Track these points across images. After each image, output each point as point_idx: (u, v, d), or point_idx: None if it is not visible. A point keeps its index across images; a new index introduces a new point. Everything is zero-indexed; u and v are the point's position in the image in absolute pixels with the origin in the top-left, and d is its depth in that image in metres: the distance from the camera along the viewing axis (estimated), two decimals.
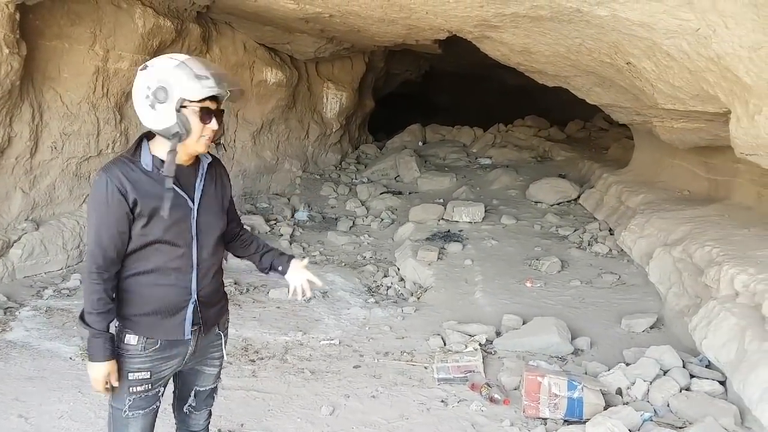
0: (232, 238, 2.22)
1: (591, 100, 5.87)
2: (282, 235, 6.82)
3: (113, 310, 1.87)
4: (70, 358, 3.72)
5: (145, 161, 1.88)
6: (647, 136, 6.54)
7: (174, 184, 1.88)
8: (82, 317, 1.87)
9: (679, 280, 4.45)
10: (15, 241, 4.87)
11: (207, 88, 1.80)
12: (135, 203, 1.83)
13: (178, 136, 1.83)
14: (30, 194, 5.09)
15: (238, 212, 2.32)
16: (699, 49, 3.19)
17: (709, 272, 3.92)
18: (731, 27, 2.86)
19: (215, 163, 2.07)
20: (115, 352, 1.88)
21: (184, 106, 1.81)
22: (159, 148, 1.90)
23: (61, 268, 5.20)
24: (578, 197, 7.69)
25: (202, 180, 1.98)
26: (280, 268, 2.22)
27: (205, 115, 1.84)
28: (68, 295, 4.79)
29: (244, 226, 2.32)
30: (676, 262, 4.56)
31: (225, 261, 2.18)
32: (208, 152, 2.01)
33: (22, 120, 4.85)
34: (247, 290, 5.16)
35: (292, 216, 7.70)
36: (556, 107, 11.65)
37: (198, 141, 1.87)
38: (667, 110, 4.54)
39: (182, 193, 1.92)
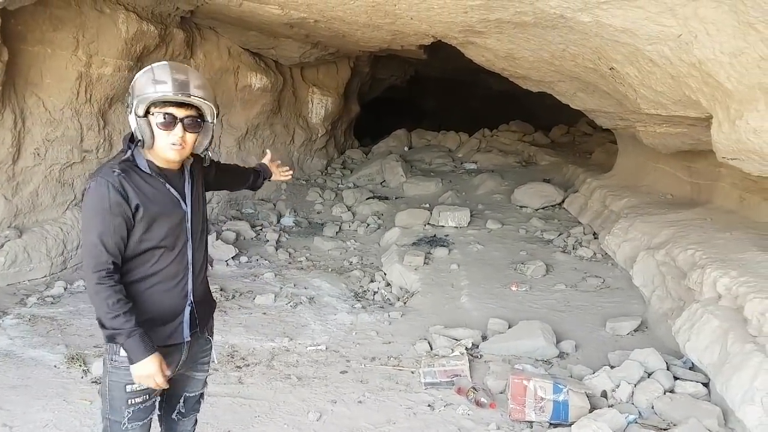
0: (246, 178, 2.50)
1: (575, 105, 5.93)
2: (268, 240, 6.79)
3: (133, 307, 1.83)
4: (55, 366, 3.67)
5: (142, 165, 1.89)
6: (631, 140, 6.62)
7: (169, 187, 1.92)
8: (104, 327, 1.81)
9: (662, 284, 4.50)
10: None
11: (159, 92, 1.80)
12: (137, 208, 1.83)
13: (141, 142, 1.86)
14: (13, 201, 5.02)
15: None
16: (681, 55, 3.25)
17: (692, 275, 3.98)
18: (712, 33, 2.92)
19: (194, 161, 2.07)
20: (153, 345, 1.84)
21: (149, 113, 1.83)
22: (150, 152, 1.92)
23: (45, 276, 5.13)
24: (563, 201, 7.76)
25: (189, 182, 2.00)
26: (266, 179, 2.60)
27: (166, 121, 1.83)
28: (52, 303, 4.72)
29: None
30: (659, 265, 4.62)
31: (210, 267, 2.20)
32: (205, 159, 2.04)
33: (4, 126, 4.78)
34: (233, 296, 5.13)
35: (278, 222, 7.68)
36: (541, 112, 11.76)
37: (166, 148, 1.86)
38: (650, 115, 4.61)
39: (177, 196, 1.93)
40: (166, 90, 1.80)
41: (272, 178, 2.61)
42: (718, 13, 2.82)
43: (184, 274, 1.96)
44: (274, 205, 8.24)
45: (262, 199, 8.40)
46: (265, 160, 2.61)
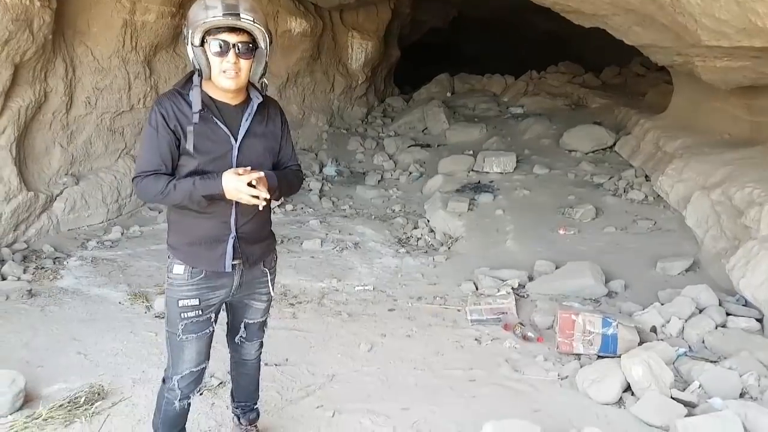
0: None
1: (629, 41, 5.66)
2: (311, 190, 6.88)
3: (179, 178, 1.91)
4: (119, 303, 3.90)
5: (194, 96, 1.92)
6: (687, 78, 6.30)
7: (217, 119, 1.94)
8: (180, 204, 1.92)
9: (717, 223, 4.37)
10: (57, 195, 5.04)
11: (210, 17, 1.82)
12: (176, 130, 1.91)
13: (198, 72, 1.90)
14: (68, 149, 5.23)
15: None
16: None
17: (749, 213, 3.85)
18: None
19: (269, 103, 2.08)
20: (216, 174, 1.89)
21: (205, 41, 1.86)
22: (208, 84, 1.95)
23: (102, 222, 5.37)
24: (614, 144, 7.50)
25: (249, 119, 2.00)
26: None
27: (220, 47, 1.86)
28: (111, 247, 4.97)
29: (299, 168, 2.25)
30: (714, 204, 4.47)
31: (281, 200, 2.20)
32: (261, 92, 2.03)
33: (56, 75, 4.93)
34: (282, 241, 5.26)
35: (320, 171, 7.74)
36: (591, 53, 11.26)
37: (219, 75, 1.89)
38: (710, 47, 4.36)
39: (224, 129, 1.96)
40: (217, 14, 1.82)
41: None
42: None
43: (225, 207, 1.98)
44: (316, 154, 8.29)
45: (304, 149, 8.46)
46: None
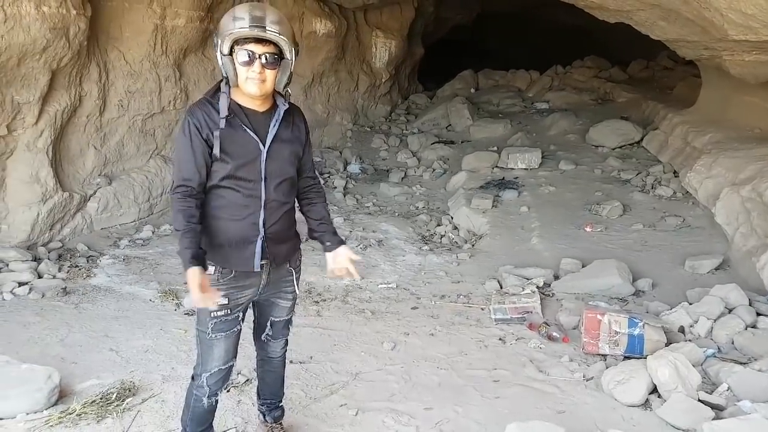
0: (302, 189, 2.28)
1: (655, 36, 5.56)
2: (335, 187, 6.93)
3: (199, 228, 1.96)
4: (150, 300, 4.00)
5: (222, 103, 1.99)
6: (715, 72, 6.16)
7: (246, 126, 2.01)
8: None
9: (747, 221, 4.28)
10: (91, 195, 5.18)
11: (237, 28, 1.89)
12: (208, 138, 1.98)
13: (226, 79, 1.98)
14: (102, 151, 5.37)
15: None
16: None
17: None
18: None
19: (294, 111, 2.15)
20: (203, 262, 1.93)
21: (233, 50, 1.94)
22: (236, 91, 2.02)
23: (134, 221, 5.50)
24: (641, 140, 7.37)
25: (276, 125, 2.07)
26: (327, 244, 2.30)
27: (246, 58, 1.92)
28: (142, 245, 5.09)
29: (318, 181, 2.32)
30: (744, 201, 4.38)
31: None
32: (286, 100, 2.09)
33: (90, 79, 5.07)
34: (306, 239, 5.32)
35: (345, 169, 7.78)
36: (617, 47, 11.06)
37: (245, 83, 1.96)
38: (737, 42, 4.27)
39: (253, 135, 2.02)
40: (243, 25, 1.89)
41: (328, 253, 2.30)
42: None
43: (255, 209, 2.06)
44: (340, 152, 8.34)
45: (329, 147, 8.52)
46: (349, 250, 2.33)
